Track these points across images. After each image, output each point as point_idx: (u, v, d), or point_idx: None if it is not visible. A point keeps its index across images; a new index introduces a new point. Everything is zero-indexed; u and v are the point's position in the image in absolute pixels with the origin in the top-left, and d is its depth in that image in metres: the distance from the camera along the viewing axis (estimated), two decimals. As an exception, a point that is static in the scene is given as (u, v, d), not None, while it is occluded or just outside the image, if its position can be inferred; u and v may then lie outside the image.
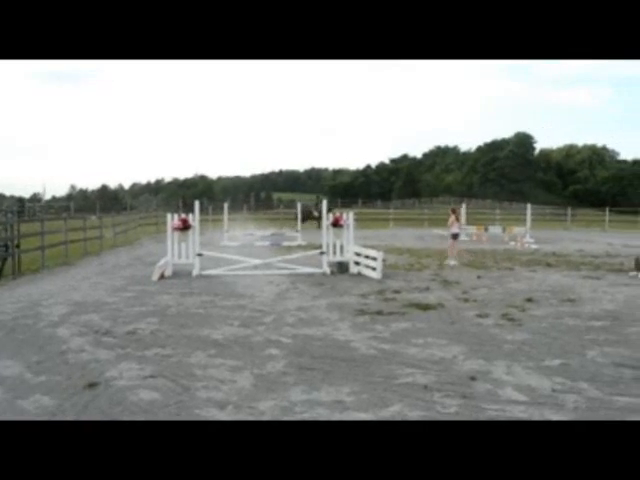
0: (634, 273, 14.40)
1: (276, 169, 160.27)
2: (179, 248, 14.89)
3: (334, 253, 15.28)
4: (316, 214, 38.57)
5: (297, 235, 25.53)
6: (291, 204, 35.00)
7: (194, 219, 14.88)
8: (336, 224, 15.32)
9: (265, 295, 11.47)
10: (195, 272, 14.37)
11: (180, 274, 14.41)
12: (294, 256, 15.88)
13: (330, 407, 5.29)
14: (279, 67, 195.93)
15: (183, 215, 15.10)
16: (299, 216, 27.64)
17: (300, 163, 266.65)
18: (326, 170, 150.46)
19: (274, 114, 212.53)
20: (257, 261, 15.28)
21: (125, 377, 6.22)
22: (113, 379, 6.15)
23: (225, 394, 5.68)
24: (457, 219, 18.55)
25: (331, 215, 15.52)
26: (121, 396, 5.63)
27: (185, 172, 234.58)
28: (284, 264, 15.36)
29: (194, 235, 14.83)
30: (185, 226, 14.75)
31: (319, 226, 38.05)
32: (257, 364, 6.67)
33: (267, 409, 5.25)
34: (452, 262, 16.84)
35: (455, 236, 17.96)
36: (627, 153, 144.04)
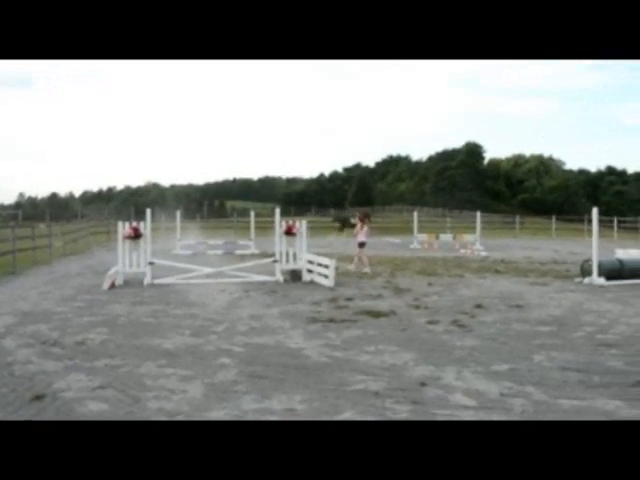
0: (579, 279, 14.77)
1: (230, 177, 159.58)
2: (130, 257, 14.72)
3: (287, 261, 15.30)
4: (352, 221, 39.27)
5: (250, 244, 25.46)
6: (245, 212, 34.96)
7: (145, 227, 14.73)
8: (289, 232, 15.35)
9: (217, 304, 11.42)
10: (147, 281, 14.22)
11: (131, 283, 14.24)
12: (247, 264, 15.83)
13: (282, 415, 5.29)
14: (234, 71, 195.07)
15: (134, 223, 14.94)
16: (252, 224, 27.57)
17: (254, 171, 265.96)
18: (280, 178, 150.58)
19: (228, 121, 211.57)
20: (210, 270, 15.19)
21: (73, 388, 6.11)
22: (61, 391, 6.04)
23: (176, 404, 5.63)
24: (366, 226, 18.29)
25: (284, 223, 15.54)
26: (69, 408, 5.52)
27: (137, 180, 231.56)
28: (237, 272, 15.31)
29: (146, 244, 14.68)
30: (136, 234, 14.59)
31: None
32: (208, 373, 6.63)
33: (218, 419, 5.23)
34: (366, 269, 16.90)
35: (362, 244, 17.82)
36: (573, 163, 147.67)
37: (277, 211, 15.85)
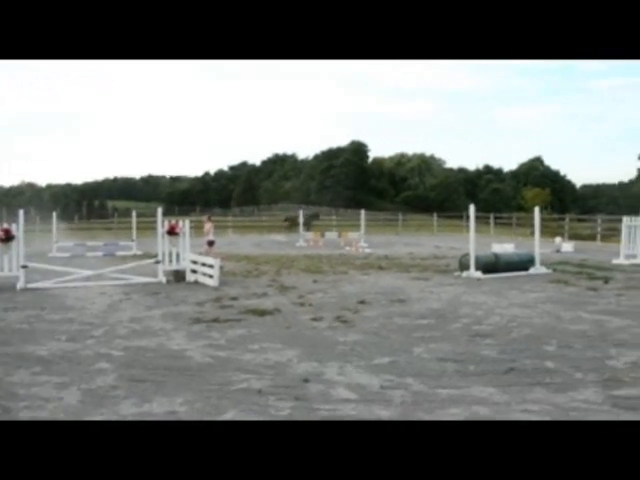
0: (458, 273, 15.35)
1: (110, 176, 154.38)
2: (1, 260, 13.95)
3: (170, 262, 14.99)
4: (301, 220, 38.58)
5: (132, 244, 24.79)
6: (127, 213, 33.97)
7: (18, 229, 14.00)
8: (171, 232, 15.05)
9: (96, 307, 11.03)
10: (20, 285, 13.52)
11: (2, 288, 13.50)
12: (128, 266, 15.40)
13: (162, 419, 5.16)
14: (115, 70, 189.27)
15: (5, 225, 14.18)
16: (134, 225, 26.86)
17: (136, 170, 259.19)
18: (163, 177, 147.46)
19: (107, 119, 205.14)
20: (89, 272, 14.66)
21: (-64, 401, 5.72)
22: None
23: (50, 412, 5.36)
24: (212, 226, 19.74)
25: (167, 223, 15.21)
26: None
27: (11, 179, 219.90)
28: (118, 274, 14.85)
29: (18, 246, 13.95)
30: (7, 237, 13.84)
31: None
32: (85, 379, 6.37)
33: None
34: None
35: (211, 243, 18.72)
36: (453, 162, 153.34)
37: (159, 210, 15.48)
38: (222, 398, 5.71)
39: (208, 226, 19.43)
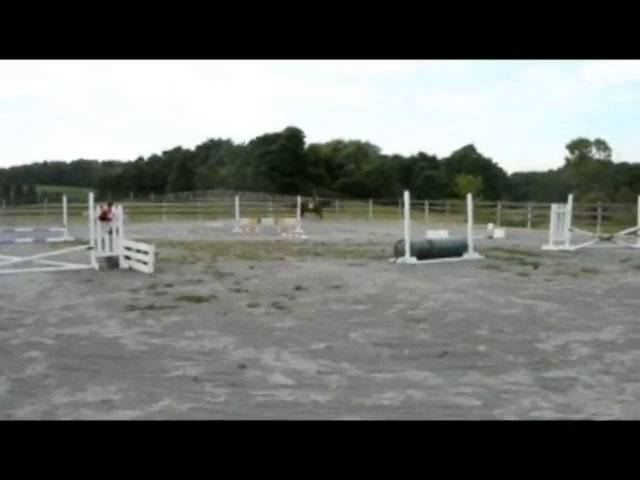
0: (393, 259, 15.53)
1: (40, 160, 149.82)
2: None
3: (103, 248, 14.66)
4: (311, 206, 37.75)
5: (63, 230, 24.15)
6: (57, 198, 33.03)
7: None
8: (104, 218, 14.72)
9: (26, 295, 10.71)
10: (-57, 273, 13.01)
11: None
12: (59, 252, 14.98)
13: (96, 407, 5.07)
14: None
15: None
16: (65, 210, 26.16)
17: (67, 154, 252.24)
18: (96, 162, 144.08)
19: (37, 101, 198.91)
20: (17, 259, 14.21)
21: None
22: None
23: (-23, 403, 5.20)
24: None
25: (99, 208, 14.88)
26: None
27: None
28: (49, 261, 14.43)
29: (-59, 232, 13.42)
30: None
31: (321, 217, 37.57)
32: (15, 369, 6.19)
33: (25, 415, 4.89)
34: None
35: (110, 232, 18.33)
36: (388, 149, 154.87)
37: (91, 196, 15.09)
38: (157, 386, 5.64)
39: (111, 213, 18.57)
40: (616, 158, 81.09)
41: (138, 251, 14.13)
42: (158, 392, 5.46)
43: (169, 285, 11.54)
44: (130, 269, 14.07)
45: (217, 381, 5.76)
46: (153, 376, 5.95)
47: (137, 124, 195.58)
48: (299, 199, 34.91)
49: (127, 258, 14.46)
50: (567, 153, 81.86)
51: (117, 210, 14.96)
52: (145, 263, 13.65)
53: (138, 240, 15.97)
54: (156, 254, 14.22)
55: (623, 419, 4.76)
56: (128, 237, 15.73)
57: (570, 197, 20.36)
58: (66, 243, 19.81)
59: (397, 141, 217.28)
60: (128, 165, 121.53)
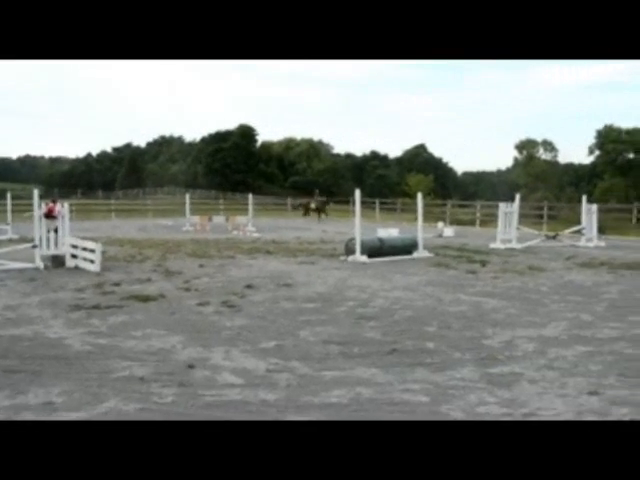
0: (344, 258, 15.57)
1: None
2: None
3: (48, 246, 14.33)
4: (312, 206, 36.86)
5: (7, 228, 23.54)
6: (1, 194, 32.11)
7: None
8: (49, 215, 14.40)
9: (-33, 294, 10.40)
10: None
11: None
12: (3, 251, 14.58)
13: (38, 410, 4.94)
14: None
15: None
16: (9, 207, 25.51)
17: (13, 150, 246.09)
18: (42, 158, 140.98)
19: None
20: (-42, 257, 13.79)
21: None
22: None
23: None
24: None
25: (44, 205, 14.54)
26: None
27: None
28: (-10, 260, 14.04)
29: None
30: None
31: (319, 217, 36.63)
32: (-47, 371, 6.01)
33: None
34: None
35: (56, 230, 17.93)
36: (340, 147, 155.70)
37: (35, 192, 14.70)
38: (102, 387, 5.54)
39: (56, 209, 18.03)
40: (562, 159, 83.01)
41: (84, 249, 13.86)
42: (103, 393, 5.36)
43: (116, 284, 11.34)
44: (76, 268, 13.78)
45: (164, 381, 5.69)
46: (98, 377, 5.84)
47: (86, 120, 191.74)
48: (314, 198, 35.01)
49: (73, 257, 14.17)
50: (515, 153, 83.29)
51: (63, 208, 14.63)
52: (92, 262, 13.39)
53: (85, 238, 15.67)
54: (103, 252, 13.98)
55: (568, 418, 4.86)
56: (75, 235, 15.41)
57: (517, 196, 20.72)
58: (10, 241, 19.29)
59: (349, 140, 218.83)
60: (76, 161, 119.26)
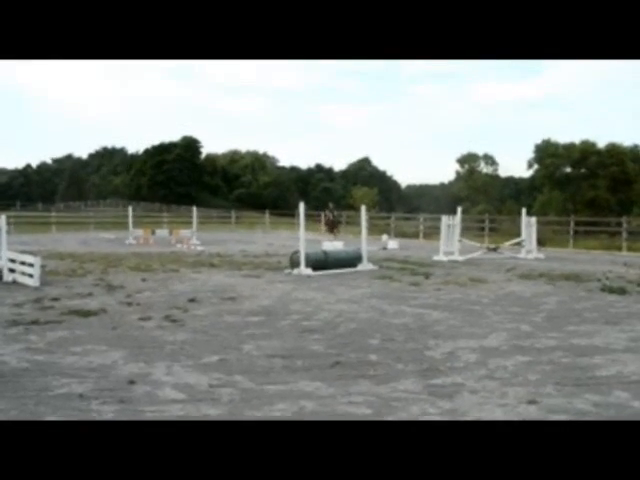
0: (289, 271, 15.58)
1: None
2: None
3: (-15, 260, 13.92)
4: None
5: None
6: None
7: None
8: (-14, 228, 13.99)
9: None
10: None
11: None
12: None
13: None
14: None
15: None
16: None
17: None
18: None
19: None
20: None
21: None
22: None
23: None
24: None
25: None
26: None
27: None
28: None
29: None
30: None
31: (338, 232, 35.38)
32: None
33: None
34: None
35: None
36: (285, 160, 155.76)
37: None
38: (39, 404, 5.40)
39: None
40: (503, 172, 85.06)
41: (23, 263, 13.51)
42: (41, 411, 5.22)
43: (56, 299, 11.08)
44: (14, 282, 13.42)
45: (105, 398, 5.58)
46: (36, 394, 5.69)
47: (24, 130, 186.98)
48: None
49: (11, 271, 13.80)
50: (457, 167, 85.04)
51: (0, 220, 14.25)
52: (30, 276, 13.06)
53: (23, 252, 15.30)
54: (43, 266, 13.67)
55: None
56: (13, 249, 15.02)
57: (459, 209, 21.12)
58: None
59: (294, 153, 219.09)
60: (14, 173, 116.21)
